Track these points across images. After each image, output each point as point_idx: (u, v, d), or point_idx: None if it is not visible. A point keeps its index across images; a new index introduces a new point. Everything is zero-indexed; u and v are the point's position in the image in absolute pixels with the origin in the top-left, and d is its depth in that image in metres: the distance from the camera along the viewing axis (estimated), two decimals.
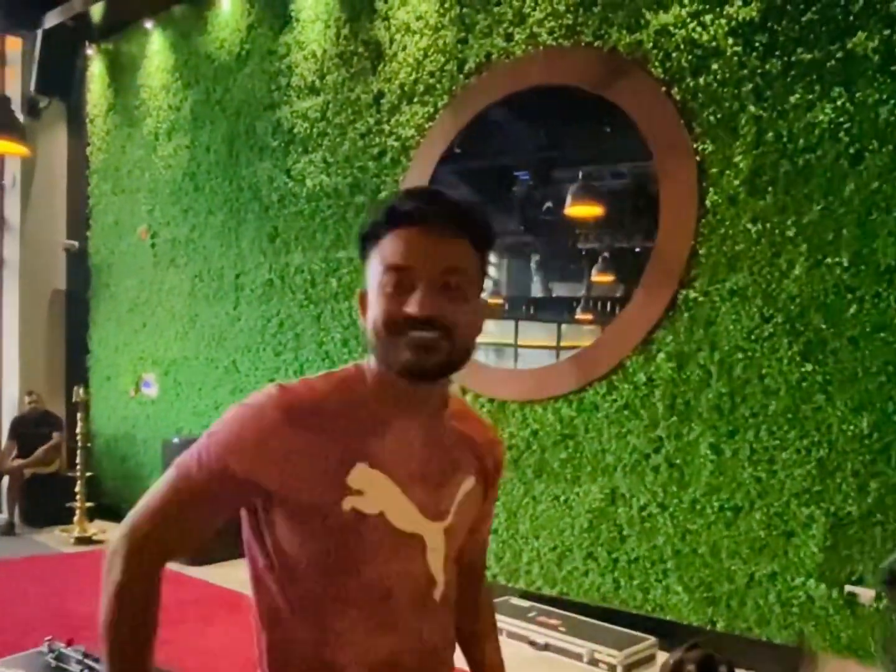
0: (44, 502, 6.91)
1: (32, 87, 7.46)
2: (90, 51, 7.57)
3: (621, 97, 4.02)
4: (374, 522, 1.00)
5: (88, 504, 6.57)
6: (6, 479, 6.91)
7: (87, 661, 3.21)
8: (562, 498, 4.37)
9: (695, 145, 3.78)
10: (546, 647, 3.92)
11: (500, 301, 5.28)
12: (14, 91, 7.67)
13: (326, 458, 0.98)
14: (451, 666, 1.17)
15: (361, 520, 0.99)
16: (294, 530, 1.00)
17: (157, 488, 1.04)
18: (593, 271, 4.71)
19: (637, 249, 4.60)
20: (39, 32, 7.26)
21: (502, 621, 4.13)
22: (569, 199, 4.67)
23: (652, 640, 3.88)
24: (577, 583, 4.31)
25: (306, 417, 0.99)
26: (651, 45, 3.92)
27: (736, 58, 3.63)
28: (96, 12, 7.07)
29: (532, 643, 3.98)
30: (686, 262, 3.81)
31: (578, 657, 3.80)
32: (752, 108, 3.60)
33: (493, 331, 5.40)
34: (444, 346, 0.96)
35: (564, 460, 4.35)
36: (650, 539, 4.01)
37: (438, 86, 4.84)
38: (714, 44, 3.70)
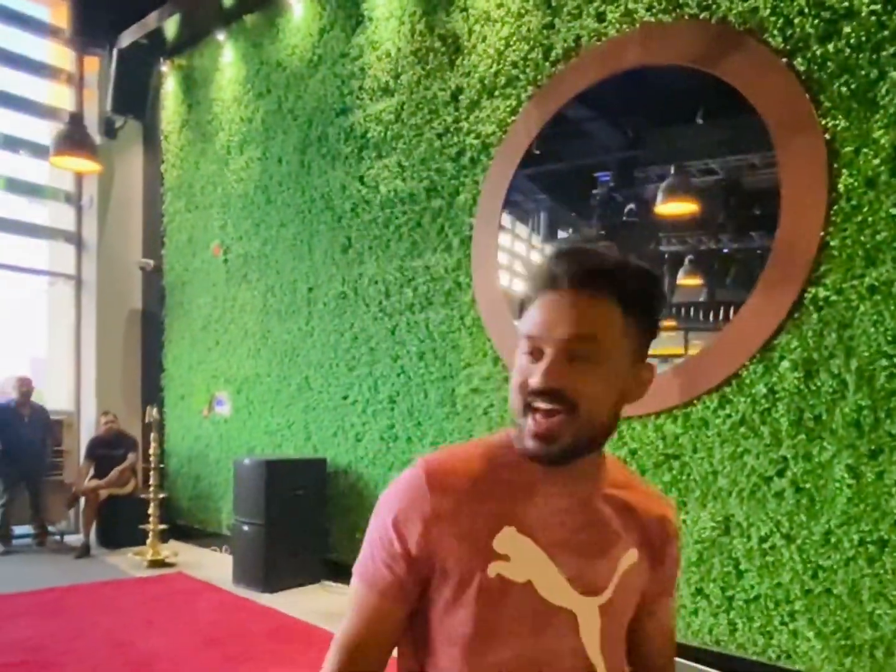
0: (119, 524, 6.79)
1: (109, 106, 7.49)
2: (164, 67, 7.56)
3: (732, 73, 3.56)
4: (521, 592, 0.92)
5: (162, 526, 6.39)
6: (82, 500, 6.81)
7: None
8: None
9: (823, 122, 3.29)
10: None
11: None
12: (91, 112, 7.74)
13: (472, 521, 0.94)
14: None
15: (507, 588, 0.92)
16: (436, 600, 0.95)
17: (351, 618, 0.98)
18: (679, 274, 4.28)
19: (725, 251, 4.16)
20: (115, 52, 7.27)
21: None
22: (660, 195, 4.23)
23: None
24: (684, 623, 3.79)
25: (450, 481, 0.95)
26: (768, 11, 3.45)
27: (874, 17, 3.13)
28: (170, 28, 7.05)
29: None
30: (815, 255, 3.31)
31: None
32: (894, 75, 3.10)
33: None
34: (569, 428, 0.90)
35: (668, 483, 3.85)
36: (773, 576, 3.47)
37: (522, 76, 4.48)
38: (846, 3, 3.21)
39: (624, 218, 4.51)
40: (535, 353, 0.92)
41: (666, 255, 4.34)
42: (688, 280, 4.25)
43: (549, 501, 0.96)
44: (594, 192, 4.59)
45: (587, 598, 0.95)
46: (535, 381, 0.90)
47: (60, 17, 7.88)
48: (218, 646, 4.23)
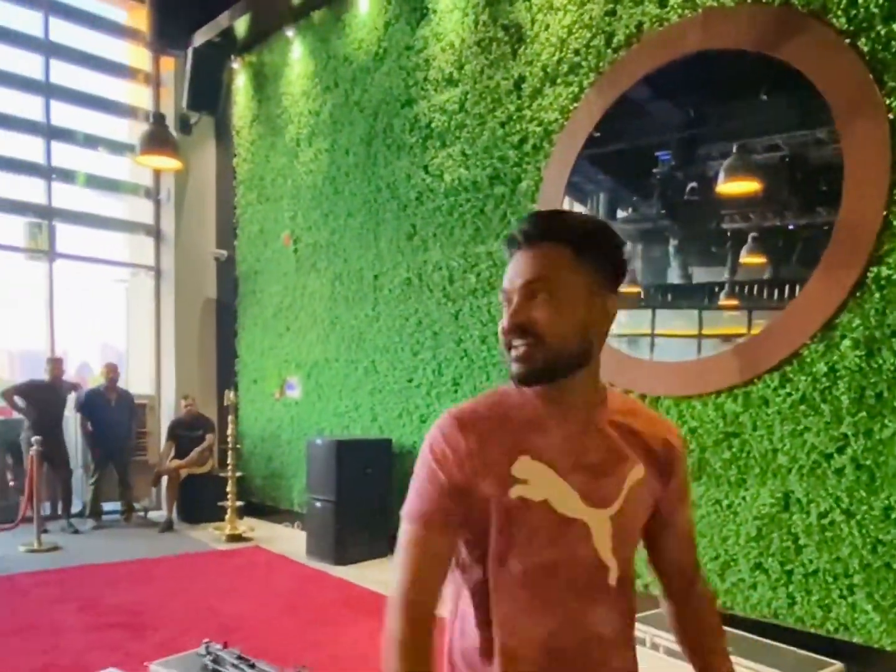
0: (199, 501, 7.17)
1: (184, 104, 7.84)
2: (235, 64, 7.87)
3: (795, 55, 3.59)
4: (539, 509, 1.08)
5: (239, 503, 6.73)
6: (165, 478, 7.22)
7: (241, 664, 3.16)
8: (724, 503, 3.95)
9: (887, 101, 3.31)
10: None
11: (636, 290, 4.92)
12: (168, 109, 8.13)
13: (494, 453, 1.09)
14: (624, 658, 1.17)
15: (527, 507, 1.08)
16: (471, 523, 1.09)
17: (405, 558, 1.12)
18: (742, 253, 4.26)
19: (791, 227, 4.14)
20: (189, 51, 7.61)
21: (658, 636, 3.77)
22: (722, 175, 4.24)
23: (837, 665, 3.38)
24: (742, 596, 3.87)
25: (475, 424, 1.11)
26: None
27: None
28: (241, 26, 7.34)
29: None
30: (877, 234, 3.33)
31: None
32: None
33: (626, 321, 5.04)
34: (538, 352, 1.07)
35: (728, 461, 3.93)
36: (832, 550, 3.51)
37: (584, 63, 4.57)
38: None
39: (685, 197, 4.54)
40: (508, 302, 1.11)
41: (729, 233, 4.36)
42: (751, 258, 4.24)
43: (556, 431, 1.12)
44: (654, 171, 4.63)
45: (598, 510, 1.10)
46: (505, 321, 1.10)
47: (136, 19, 8.29)
48: (296, 611, 4.50)
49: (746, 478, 3.83)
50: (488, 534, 1.09)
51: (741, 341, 3.92)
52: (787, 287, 3.84)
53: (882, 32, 3.33)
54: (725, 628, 3.54)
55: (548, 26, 4.78)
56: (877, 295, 3.35)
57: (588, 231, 1.12)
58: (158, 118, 7.35)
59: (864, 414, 3.39)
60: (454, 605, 1.18)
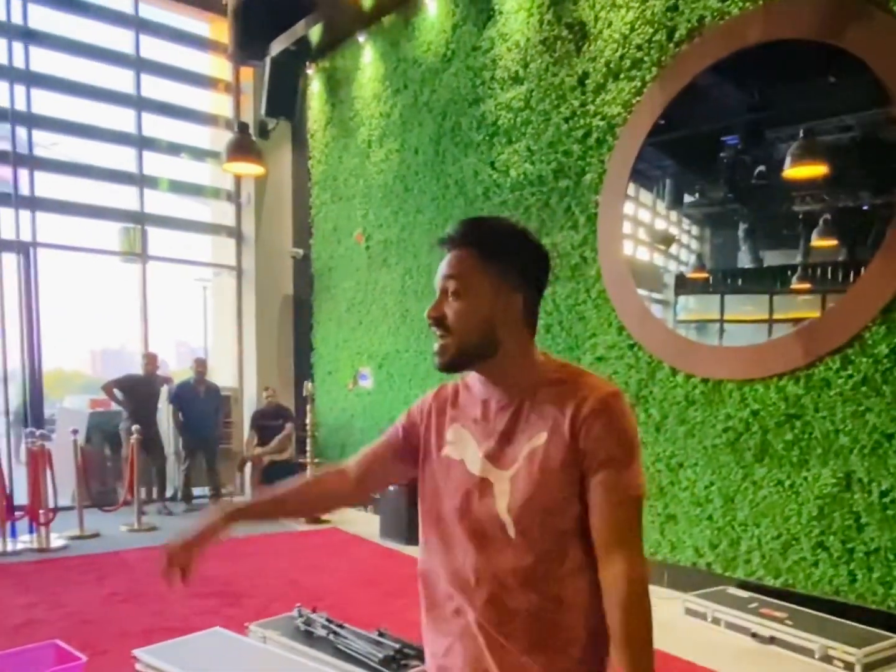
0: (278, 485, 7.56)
1: (263, 110, 8.26)
2: (309, 71, 8.25)
3: (855, 43, 3.65)
4: (457, 466, 1.33)
5: None
6: (249, 465, 7.65)
7: (331, 625, 3.45)
8: (787, 483, 4.03)
9: None
10: (772, 641, 3.62)
11: (703, 275, 4.98)
12: (247, 116, 8.58)
13: (442, 420, 1.40)
14: (525, 616, 1.25)
15: (450, 463, 1.35)
16: (426, 472, 1.40)
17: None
18: (814, 235, 4.25)
19: (865, 208, 4.13)
20: (268, 60, 8.02)
21: (719, 611, 3.89)
22: (788, 160, 4.27)
23: None
24: (804, 574, 3.95)
25: (440, 396, 1.44)
26: None
27: None
28: (315, 34, 7.70)
29: (754, 635, 3.70)
30: None
31: (809, 653, 3.46)
32: None
33: (693, 307, 5.11)
34: (449, 343, 1.27)
35: (790, 442, 4.00)
36: (894, 528, 3.57)
37: (646, 58, 4.70)
38: None
39: (753, 181, 4.57)
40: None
41: (800, 216, 4.37)
42: (823, 241, 4.25)
43: (480, 404, 1.34)
44: (721, 155, 4.69)
45: (500, 471, 1.28)
46: (425, 314, 1.31)
47: (217, 31, 8.77)
48: (375, 584, 4.79)
49: (808, 458, 3.90)
50: (427, 479, 1.38)
51: (800, 326, 3.99)
52: (861, 269, 3.83)
53: None
54: (785, 604, 3.62)
55: (610, 23, 4.93)
56: None
57: (494, 236, 1.29)
58: (242, 127, 7.79)
59: None
60: None
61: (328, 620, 3.51)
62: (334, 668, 3.09)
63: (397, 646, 3.15)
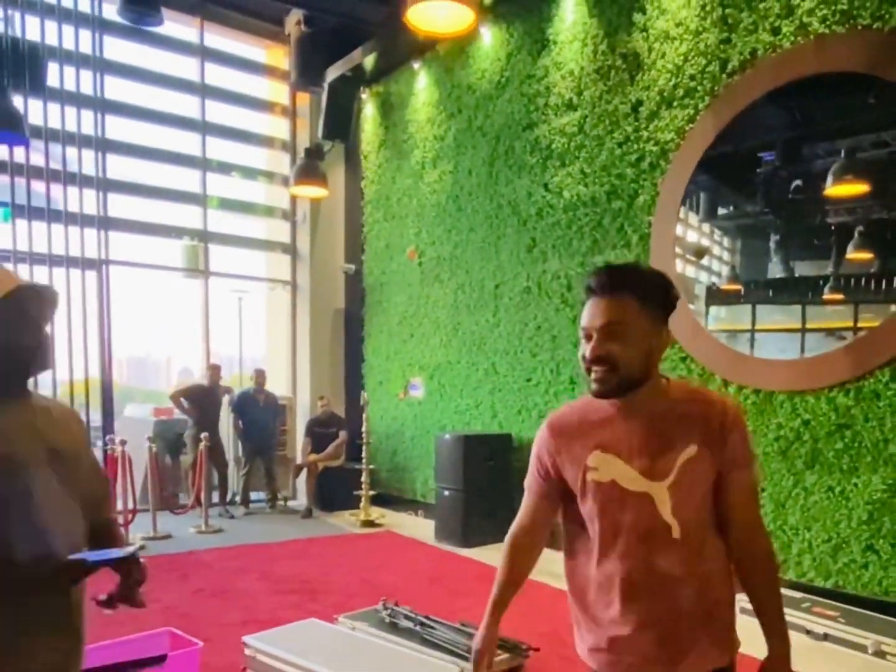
0: (332, 491, 7.90)
1: (320, 133, 8.66)
2: (364, 95, 8.64)
3: None
4: (608, 487, 1.53)
5: (372, 492, 7.41)
6: (304, 471, 7.99)
7: (416, 616, 3.74)
8: (837, 489, 4.25)
9: None
10: (825, 638, 3.83)
11: (736, 287, 5.19)
12: (303, 138, 9.00)
13: (576, 450, 1.58)
14: (701, 596, 1.52)
15: (599, 486, 1.54)
16: (565, 499, 1.62)
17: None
18: (849, 248, 4.45)
19: None
20: (326, 86, 8.42)
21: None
22: (830, 178, 4.48)
23: None
24: (854, 575, 4.16)
25: (562, 428, 1.62)
26: None
27: None
28: (370, 61, 8.08)
29: (808, 632, 3.91)
30: None
31: (863, 648, 3.68)
32: None
33: (724, 317, 5.30)
34: (613, 376, 1.49)
35: (840, 451, 4.23)
36: None
37: (700, 88, 4.99)
38: None
39: (789, 195, 4.78)
40: (588, 337, 1.52)
41: (833, 227, 4.57)
42: (858, 253, 4.45)
43: (621, 426, 1.54)
44: (758, 170, 4.92)
45: (657, 483, 1.50)
46: (588, 353, 1.51)
47: (274, 57, 9.21)
48: (439, 583, 5.08)
49: (858, 466, 4.13)
50: (573, 505, 1.59)
51: (850, 341, 4.22)
52: (895, 280, 4.04)
53: None
54: (837, 604, 3.88)
55: (664, 54, 5.22)
56: None
57: (649, 285, 1.52)
58: (309, 153, 8.22)
59: None
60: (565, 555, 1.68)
61: (412, 613, 3.79)
62: (424, 655, 3.38)
63: None
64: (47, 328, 1.63)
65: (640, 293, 1.49)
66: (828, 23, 4.27)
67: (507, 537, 1.72)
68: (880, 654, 3.64)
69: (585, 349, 1.51)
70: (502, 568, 1.72)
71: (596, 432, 1.56)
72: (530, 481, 1.69)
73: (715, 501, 1.55)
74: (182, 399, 7.62)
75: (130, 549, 1.63)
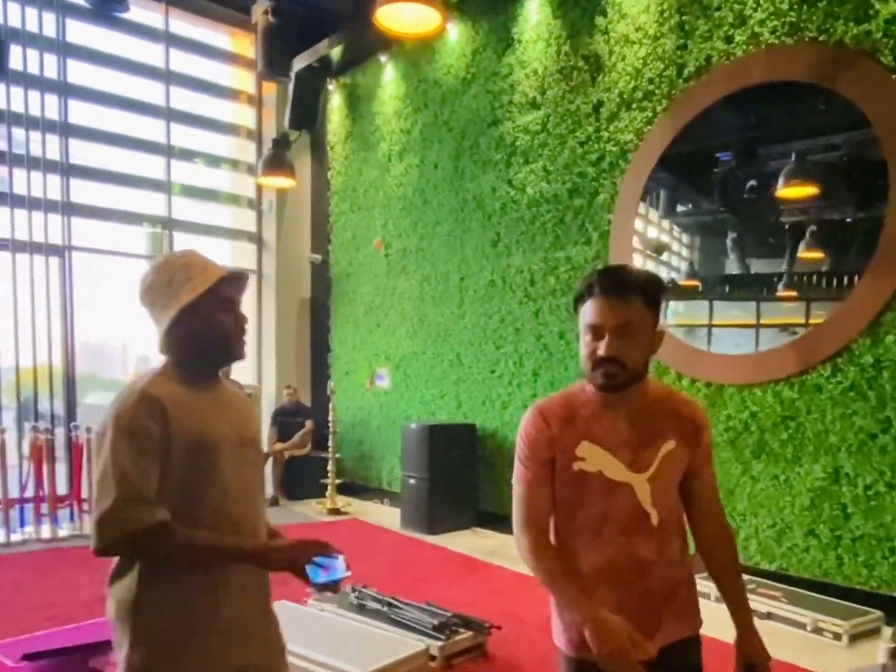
0: (298, 479, 8.00)
1: (287, 123, 8.68)
2: (331, 86, 8.68)
3: (848, 88, 4.13)
4: (594, 477, 1.62)
5: (338, 481, 7.54)
6: (270, 460, 8.08)
7: (383, 598, 3.90)
8: (781, 477, 4.51)
9: None
10: (769, 616, 4.09)
11: (693, 283, 5.39)
12: (269, 127, 9.01)
13: (566, 439, 1.63)
14: (668, 576, 1.65)
15: (585, 476, 1.62)
16: (556, 483, 1.66)
17: (516, 504, 1.70)
18: (801, 246, 4.67)
19: (850, 220, 4.54)
20: (292, 76, 8.44)
21: None
22: (781, 180, 4.70)
23: (878, 613, 3.94)
24: (796, 559, 4.43)
25: (554, 416, 1.65)
26: (880, 34, 4.01)
27: None
28: (336, 52, 8.13)
29: (753, 611, 4.14)
30: None
31: (802, 626, 3.95)
32: None
33: (682, 312, 5.48)
34: (621, 373, 1.56)
35: (784, 441, 4.49)
36: (876, 517, 4.05)
37: (657, 91, 5.17)
38: None
39: (745, 195, 4.99)
40: (597, 334, 1.57)
41: (786, 226, 4.79)
42: (809, 253, 4.66)
43: (608, 419, 1.63)
44: (715, 170, 5.12)
45: (639, 475, 1.61)
46: (601, 351, 1.56)
47: (238, 45, 9.19)
48: (405, 569, 5.24)
49: (801, 455, 4.38)
50: (561, 491, 1.64)
51: (796, 337, 4.46)
52: (845, 278, 4.27)
53: None
54: (780, 585, 4.14)
55: (624, 57, 5.39)
56: None
57: (654, 285, 1.61)
58: (277, 143, 8.25)
59: None
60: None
61: (380, 595, 3.95)
62: (392, 633, 3.54)
63: (448, 614, 3.60)
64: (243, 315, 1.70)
65: (646, 294, 1.58)
66: (777, 34, 4.47)
67: (533, 543, 1.64)
68: (818, 630, 3.91)
69: (595, 346, 1.56)
70: (557, 569, 1.62)
71: (584, 423, 1.63)
72: (532, 475, 1.66)
73: (681, 494, 1.70)
74: None
75: (343, 568, 1.76)
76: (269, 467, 8.16)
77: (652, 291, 1.59)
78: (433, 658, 3.39)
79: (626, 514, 1.60)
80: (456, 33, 6.92)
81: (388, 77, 7.86)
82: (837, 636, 3.80)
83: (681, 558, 1.69)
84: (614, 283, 1.56)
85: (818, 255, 4.67)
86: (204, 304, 1.60)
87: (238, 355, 1.70)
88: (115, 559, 1.61)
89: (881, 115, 4.00)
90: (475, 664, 3.52)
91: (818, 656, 3.66)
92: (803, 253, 4.67)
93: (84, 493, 6.32)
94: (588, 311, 1.58)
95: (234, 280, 1.67)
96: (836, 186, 4.56)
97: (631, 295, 1.55)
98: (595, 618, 1.47)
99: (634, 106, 5.34)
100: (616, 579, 1.61)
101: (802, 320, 4.53)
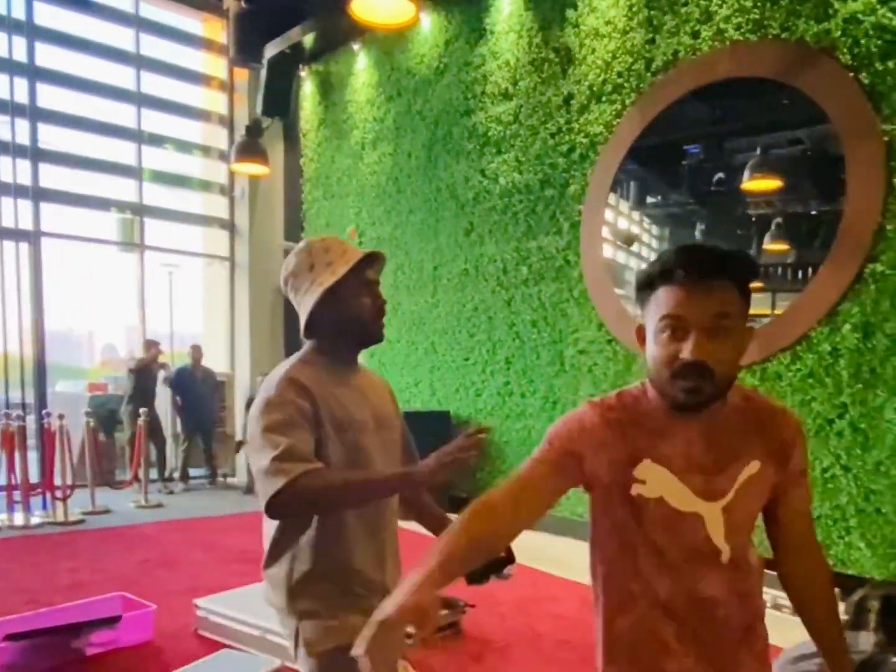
0: None
1: (259, 110, 8.65)
2: (303, 73, 8.66)
3: (808, 85, 4.26)
4: (655, 503, 1.25)
5: None
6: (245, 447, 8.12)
7: None
8: None
9: (882, 127, 3.98)
10: None
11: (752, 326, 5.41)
12: (241, 114, 8.98)
13: (620, 453, 1.26)
14: (741, 613, 1.31)
15: (644, 502, 1.26)
16: (599, 505, 1.32)
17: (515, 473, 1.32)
18: (766, 239, 4.80)
19: (814, 213, 4.68)
20: (264, 62, 8.41)
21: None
22: (747, 173, 4.83)
23: (835, 590, 4.11)
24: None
25: (616, 423, 1.27)
26: (839, 33, 4.15)
27: None
28: (309, 40, 8.11)
29: None
30: (873, 237, 4.01)
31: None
32: None
33: None
34: (708, 388, 1.17)
35: None
36: (832, 499, 4.24)
37: (626, 84, 5.28)
38: None
39: (712, 187, 5.13)
40: (679, 332, 1.17)
41: (753, 218, 4.93)
42: (775, 245, 4.79)
43: (677, 435, 1.25)
44: (684, 162, 5.24)
45: (711, 503, 1.24)
46: (686, 355, 1.15)
47: (210, 30, 9.13)
48: None
49: None
50: (611, 517, 1.29)
51: (758, 326, 4.62)
52: (809, 269, 4.41)
53: (880, 68, 3.99)
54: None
55: (594, 50, 5.48)
56: (872, 287, 4.04)
57: (750, 269, 1.23)
58: (250, 130, 8.22)
59: (860, 386, 4.10)
60: (594, 573, 1.38)
61: None
62: None
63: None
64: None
65: (742, 279, 1.21)
66: (742, 30, 4.60)
67: (483, 498, 1.23)
68: (777, 606, 4.07)
69: (677, 348, 1.18)
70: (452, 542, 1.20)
71: (648, 437, 1.27)
72: (550, 458, 1.27)
73: (765, 519, 1.38)
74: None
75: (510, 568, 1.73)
76: (243, 455, 8.21)
77: (748, 276, 1.23)
78: (410, 636, 3.48)
79: (691, 549, 1.27)
80: (429, 23, 6.96)
81: (361, 65, 7.87)
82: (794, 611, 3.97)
83: (758, 589, 1.37)
84: (706, 264, 1.17)
85: (783, 246, 4.81)
86: (345, 287, 1.62)
87: (378, 336, 1.72)
88: (268, 543, 1.64)
89: (839, 111, 4.14)
90: (450, 642, 3.63)
91: (778, 631, 3.81)
92: (769, 245, 4.81)
93: (57, 481, 6.32)
94: (666, 301, 1.19)
95: (372, 261, 1.68)
96: (800, 180, 4.70)
97: (721, 278, 1.17)
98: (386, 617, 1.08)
99: (604, 98, 5.44)
100: (678, 617, 1.29)
101: (769, 311, 4.67)
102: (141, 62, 8.49)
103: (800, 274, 4.60)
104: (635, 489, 1.26)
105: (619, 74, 5.33)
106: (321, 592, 1.60)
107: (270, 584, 1.65)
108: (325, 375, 1.64)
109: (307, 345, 1.72)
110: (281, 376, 1.60)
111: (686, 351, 1.16)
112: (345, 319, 1.65)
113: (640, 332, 1.27)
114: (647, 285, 1.23)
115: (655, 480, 1.25)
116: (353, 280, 1.63)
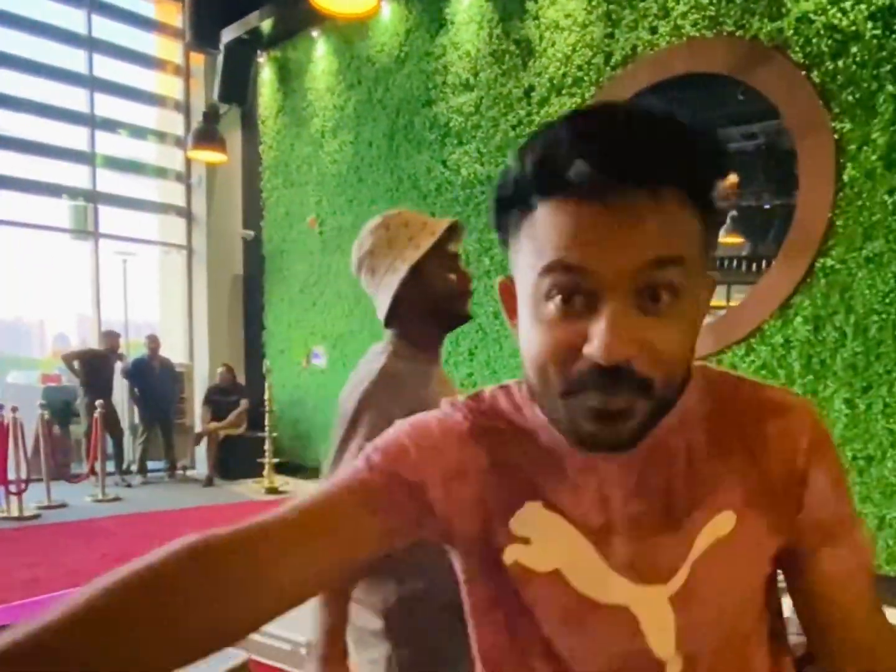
0: (234, 459, 7.99)
1: (216, 96, 8.50)
2: (261, 59, 8.52)
3: (762, 82, 4.35)
4: (548, 585, 0.69)
5: (275, 460, 7.57)
6: (204, 439, 8.03)
7: None
8: None
9: (833, 124, 4.08)
10: None
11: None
12: (198, 100, 8.81)
13: (493, 488, 0.72)
14: None
15: (528, 580, 0.70)
16: (465, 572, 0.77)
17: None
18: (721, 231, 4.88)
19: (767, 206, 4.78)
20: (221, 47, 8.26)
21: None
22: None
23: None
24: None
25: (488, 429, 0.74)
26: (792, 31, 4.23)
27: (875, 41, 3.90)
28: (267, 25, 7.98)
29: None
30: (823, 232, 4.13)
31: None
32: (890, 88, 3.87)
33: None
34: (642, 406, 0.61)
35: None
36: None
37: (586, 78, 5.31)
38: (853, 28, 3.98)
39: None
40: (579, 299, 0.60)
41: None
42: (730, 238, 4.87)
43: (589, 474, 0.69)
44: None
45: (649, 587, 0.68)
46: (595, 350, 0.58)
47: (164, 13, 8.92)
48: None
49: None
50: (480, 590, 0.75)
51: (712, 319, 4.72)
52: (763, 262, 4.50)
53: (830, 67, 4.09)
54: None
55: (554, 43, 5.51)
56: (822, 281, 4.16)
57: (716, 159, 0.64)
58: (207, 116, 8.07)
59: (811, 377, 4.23)
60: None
61: None
62: None
63: None
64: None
65: (696, 181, 0.62)
66: (698, 27, 4.66)
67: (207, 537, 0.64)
68: None
69: (580, 333, 0.60)
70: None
71: (535, 468, 0.72)
72: (365, 484, 0.71)
73: (791, 595, 0.76)
74: (75, 362, 7.48)
75: None
76: (202, 447, 8.13)
77: (712, 175, 0.63)
78: None
79: (618, 660, 0.69)
80: (389, 11, 6.90)
81: (320, 52, 7.78)
82: None
83: None
84: (632, 152, 0.58)
85: (738, 240, 4.92)
86: (429, 262, 1.45)
87: (466, 314, 1.52)
88: None
89: (791, 108, 4.24)
90: None
91: None
92: (724, 238, 4.91)
93: (11, 475, 6.19)
94: (552, 235, 0.61)
95: (454, 232, 1.52)
96: (755, 174, 4.81)
97: (672, 185, 0.60)
98: None
99: (564, 91, 5.47)
100: None
101: (724, 303, 4.77)
102: (93, 45, 8.26)
103: (754, 267, 4.71)
104: (512, 554, 0.71)
105: (579, 68, 5.36)
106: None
107: (362, 605, 1.43)
108: (415, 367, 1.47)
109: (391, 335, 1.52)
110: (375, 372, 1.44)
111: (595, 341, 0.58)
112: (432, 299, 1.46)
113: (507, 294, 0.75)
114: (514, 200, 0.67)
115: (546, 539, 0.70)
116: (438, 254, 1.46)
